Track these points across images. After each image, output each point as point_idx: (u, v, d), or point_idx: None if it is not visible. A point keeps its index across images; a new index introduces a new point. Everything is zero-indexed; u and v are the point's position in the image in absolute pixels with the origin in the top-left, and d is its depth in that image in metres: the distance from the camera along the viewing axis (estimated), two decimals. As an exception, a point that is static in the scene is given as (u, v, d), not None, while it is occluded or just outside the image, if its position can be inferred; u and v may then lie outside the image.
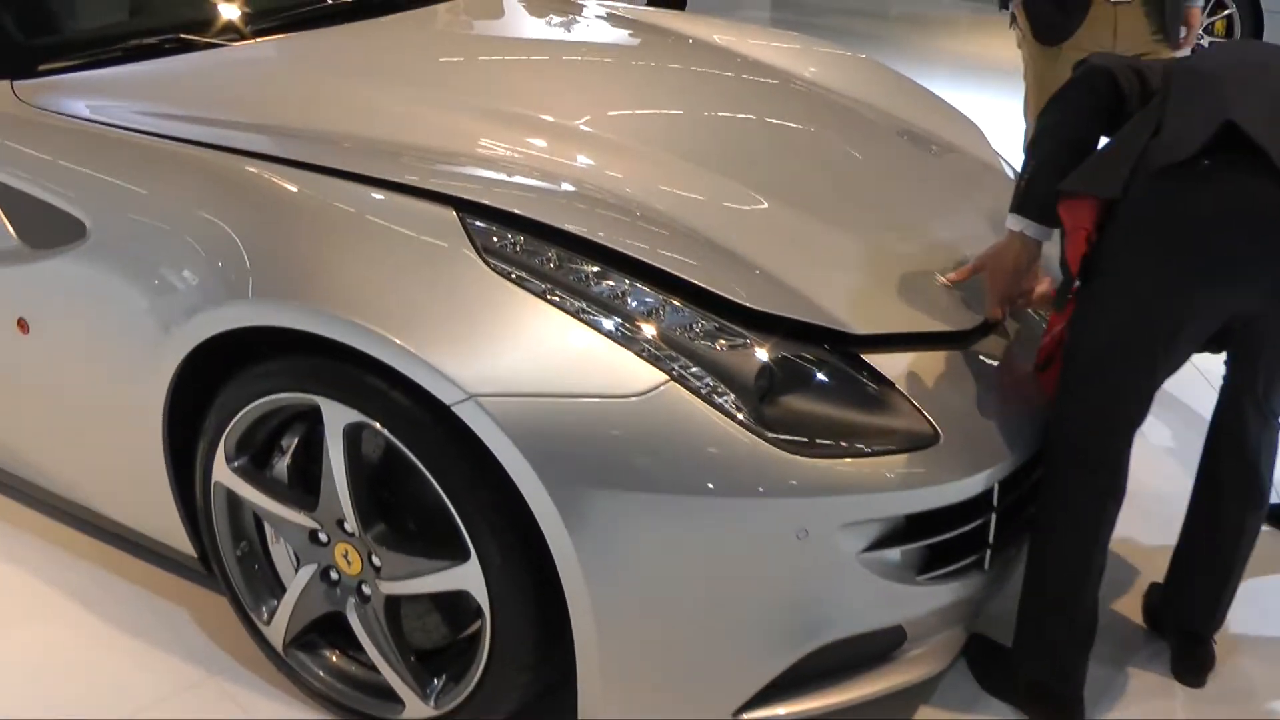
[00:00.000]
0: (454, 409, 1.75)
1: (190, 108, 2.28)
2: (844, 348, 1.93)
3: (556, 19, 3.25)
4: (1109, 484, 2.05)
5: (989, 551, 2.01)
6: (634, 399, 1.74)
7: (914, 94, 3.16)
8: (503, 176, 2.09)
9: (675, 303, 1.85)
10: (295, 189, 1.99)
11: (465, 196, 1.94)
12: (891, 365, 1.94)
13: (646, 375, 1.75)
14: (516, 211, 1.92)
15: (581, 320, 1.78)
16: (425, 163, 2.08)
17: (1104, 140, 2.04)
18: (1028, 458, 2.02)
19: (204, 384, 2.07)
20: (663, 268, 1.88)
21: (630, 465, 1.74)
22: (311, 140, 2.13)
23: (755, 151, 2.49)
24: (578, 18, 3.31)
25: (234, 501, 2.13)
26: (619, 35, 3.24)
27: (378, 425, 1.85)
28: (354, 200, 1.95)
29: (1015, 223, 2.07)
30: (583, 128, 2.35)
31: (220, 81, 2.46)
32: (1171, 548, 2.34)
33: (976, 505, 1.93)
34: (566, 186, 2.08)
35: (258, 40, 2.65)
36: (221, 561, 2.21)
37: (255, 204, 2.01)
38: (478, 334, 1.78)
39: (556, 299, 1.80)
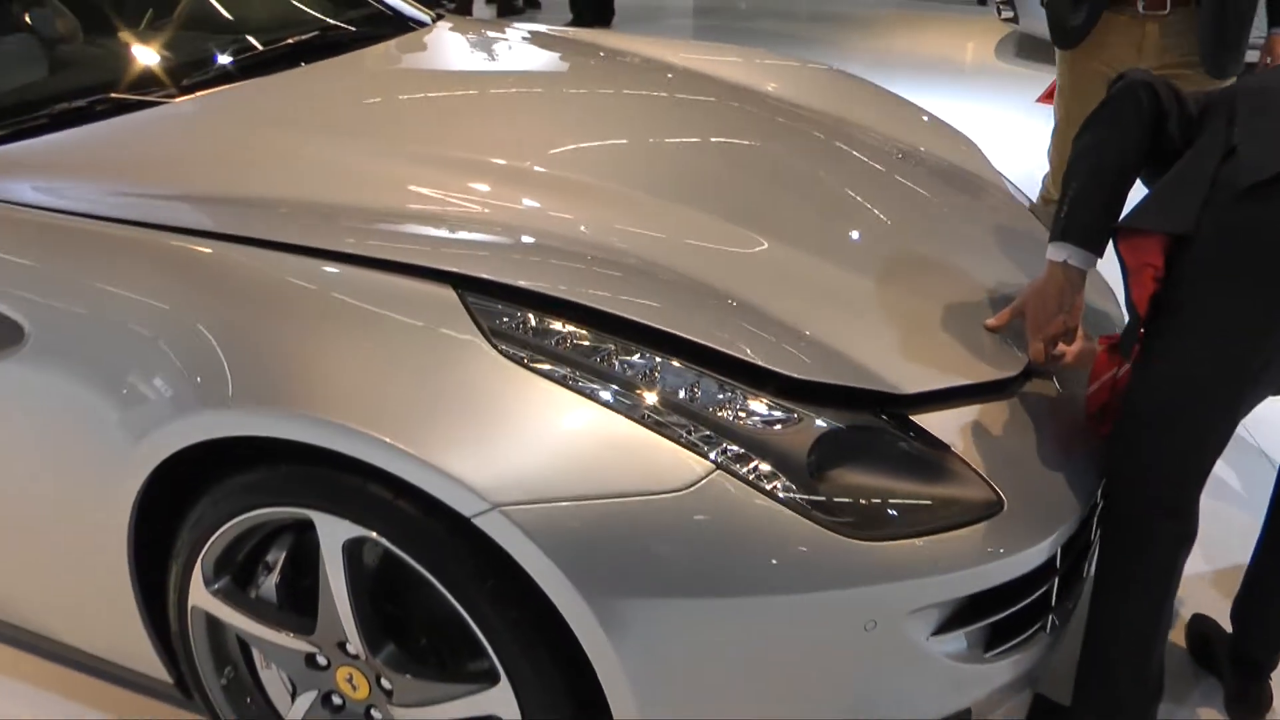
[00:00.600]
0: (475, 521, 1.54)
1: (131, 181, 2.03)
2: (893, 409, 1.75)
3: (495, 51, 3.05)
4: (1183, 530, 1.90)
5: (1051, 615, 1.85)
6: (678, 494, 1.54)
7: (897, 107, 3.01)
8: (492, 239, 1.88)
9: (709, 376, 1.66)
10: (268, 272, 1.75)
11: (459, 270, 1.73)
12: (942, 425, 1.77)
13: (690, 466, 1.55)
14: (524, 285, 1.71)
15: (611, 408, 1.58)
16: (386, 224, 1.87)
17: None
18: (1087, 511, 1.86)
19: (174, 498, 1.83)
20: (702, 342, 1.69)
21: (678, 568, 1.54)
22: (251, 209, 1.91)
23: (749, 187, 2.31)
24: (519, 47, 3.11)
25: (215, 626, 1.90)
26: (565, 62, 3.04)
27: (384, 541, 1.64)
28: (335, 283, 1.72)
29: (1057, 252, 1.89)
30: (549, 171, 2.17)
31: (159, 147, 2.21)
32: (1212, 573, 2.22)
33: (1041, 570, 1.76)
34: (556, 245, 1.88)
35: (197, 95, 2.41)
36: (204, 691, 1.97)
37: (222, 293, 1.76)
38: (494, 432, 1.56)
39: (579, 384, 1.59)
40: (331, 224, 1.86)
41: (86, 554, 1.92)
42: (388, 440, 1.55)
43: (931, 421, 1.76)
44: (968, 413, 1.82)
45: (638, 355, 1.65)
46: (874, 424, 1.71)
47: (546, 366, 1.60)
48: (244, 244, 1.79)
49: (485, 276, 1.70)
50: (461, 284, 1.70)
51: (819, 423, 1.66)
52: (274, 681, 1.94)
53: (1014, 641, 1.79)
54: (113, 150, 2.19)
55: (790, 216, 2.19)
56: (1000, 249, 2.31)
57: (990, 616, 1.72)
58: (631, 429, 1.56)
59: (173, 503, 1.84)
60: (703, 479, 1.55)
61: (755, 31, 9.23)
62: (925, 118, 2.97)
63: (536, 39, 3.15)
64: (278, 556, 1.84)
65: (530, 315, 1.66)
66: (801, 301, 1.91)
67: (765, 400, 1.66)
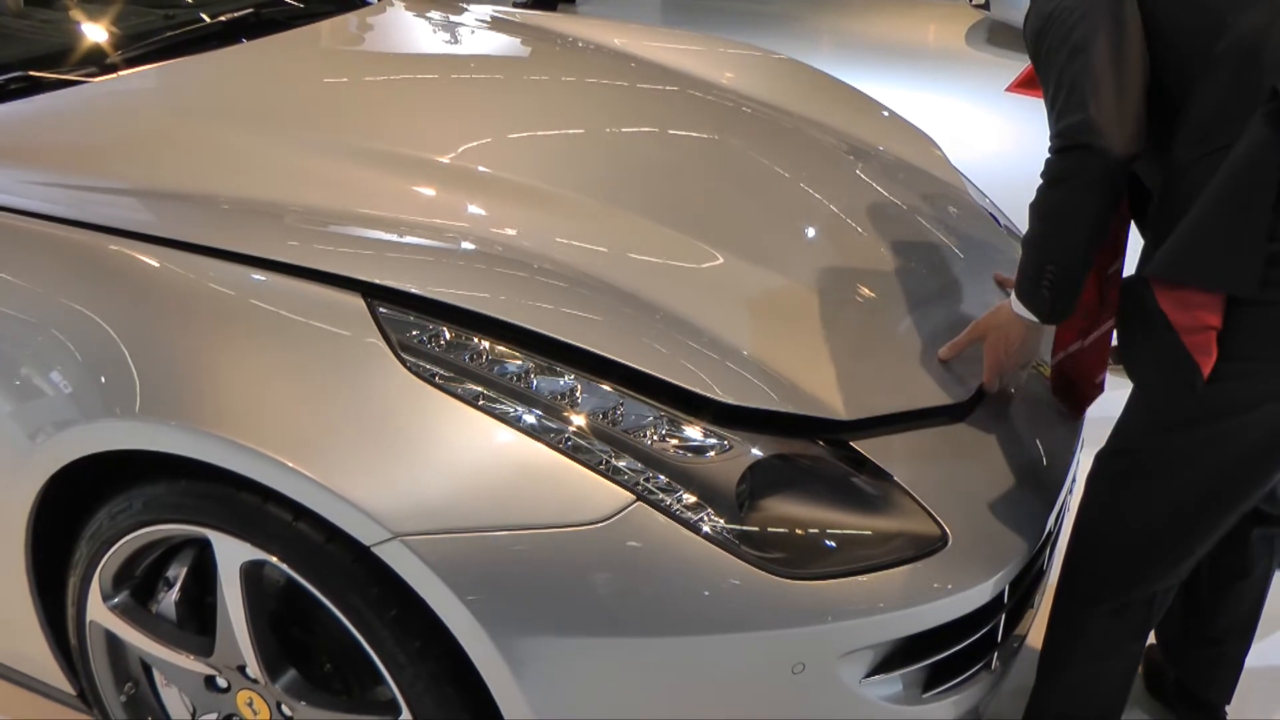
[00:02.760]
0: (375, 550, 1.43)
1: (41, 169, 1.90)
2: (833, 435, 1.65)
3: (446, 35, 2.90)
4: (1155, 618, 1.83)
5: (996, 652, 1.76)
6: (595, 527, 1.44)
7: (857, 103, 2.89)
8: (422, 244, 1.76)
9: (635, 399, 1.55)
10: (177, 274, 1.63)
11: (374, 279, 1.60)
12: (885, 453, 1.67)
13: (609, 497, 1.45)
14: (437, 295, 1.59)
15: (525, 432, 1.47)
16: (310, 225, 1.73)
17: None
18: (1039, 545, 1.76)
19: (76, 506, 1.72)
20: (621, 360, 1.58)
21: (593, 605, 1.44)
22: (165, 203, 1.78)
23: (702, 191, 2.18)
24: (473, 30, 2.96)
25: (115, 642, 1.79)
26: (519, 48, 2.91)
27: (283, 565, 1.53)
28: (242, 286, 1.60)
29: (1022, 310, 1.75)
30: (492, 171, 2.03)
31: (77, 132, 2.08)
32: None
33: (987, 608, 1.67)
34: (492, 253, 1.75)
35: (122, 73, 2.28)
36: (104, 707, 1.86)
37: (131, 295, 1.64)
38: (398, 455, 1.46)
39: (492, 405, 1.48)
40: (248, 223, 1.73)
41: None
42: (283, 461, 1.44)
43: (873, 449, 1.66)
44: (912, 439, 1.72)
45: (560, 376, 1.54)
46: (811, 452, 1.61)
47: (458, 385, 1.49)
48: (154, 243, 1.66)
49: (395, 285, 1.58)
50: (374, 293, 1.58)
51: (752, 451, 1.55)
52: (175, 701, 1.83)
53: (955, 681, 1.69)
54: (27, 134, 2.06)
55: (742, 223, 2.07)
56: (959, 256, 2.21)
57: (930, 657, 1.62)
58: (547, 455, 1.46)
59: (73, 511, 1.73)
60: (622, 511, 1.44)
61: (725, 10, 9.07)
62: (885, 113, 2.85)
63: (493, 24, 3.01)
64: (179, 572, 1.73)
65: (445, 330, 1.54)
66: (745, 318, 1.80)
67: (695, 425, 1.55)
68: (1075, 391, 1.96)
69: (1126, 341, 1.71)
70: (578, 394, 1.53)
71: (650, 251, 1.88)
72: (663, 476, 1.48)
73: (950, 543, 1.60)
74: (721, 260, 1.91)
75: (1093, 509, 1.80)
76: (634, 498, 1.45)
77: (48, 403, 1.64)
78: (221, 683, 1.72)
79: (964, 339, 1.85)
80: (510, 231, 1.82)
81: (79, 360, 1.61)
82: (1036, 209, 1.68)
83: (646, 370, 1.57)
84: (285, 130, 2.10)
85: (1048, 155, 1.63)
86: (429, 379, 1.49)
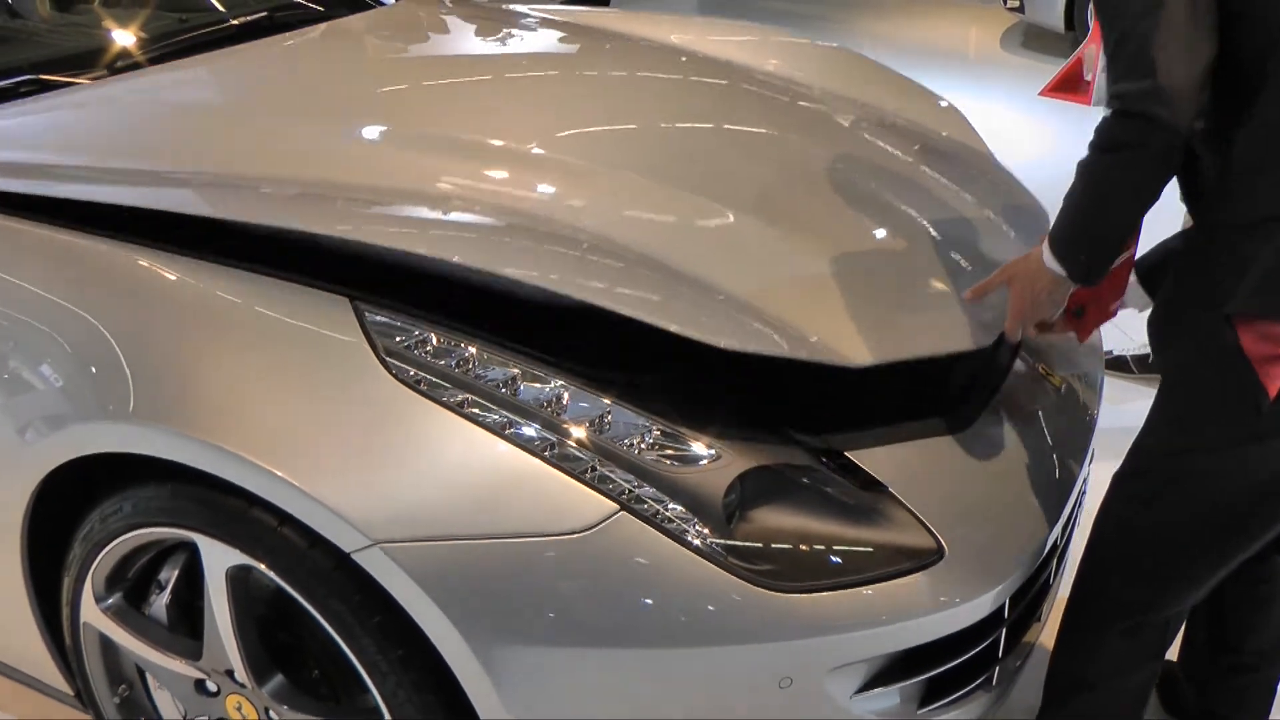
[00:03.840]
0: (354, 557, 1.42)
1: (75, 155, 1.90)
2: (826, 444, 1.62)
3: (488, 29, 2.89)
4: (1171, 639, 1.78)
5: (997, 668, 1.72)
6: (578, 536, 1.42)
7: (890, 82, 2.83)
8: (452, 218, 1.75)
9: (623, 406, 1.53)
10: (168, 275, 1.62)
11: (408, 248, 1.59)
12: (879, 462, 1.64)
13: (592, 505, 1.43)
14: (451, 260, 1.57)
15: (508, 438, 1.45)
16: (360, 206, 1.74)
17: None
18: (1043, 558, 1.73)
19: (70, 504, 1.72)
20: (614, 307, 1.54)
21: (574, 615, 1.43)
22: (231, 188, 1.79)
23: (722, 164, 2.13)
24: (512, 28, 2.95)
25: (108, 643, 1.79)
26: (564, 44, 2.89)
27: (267, 570, 1.52)
28: (236, 289, 1.59)
29: (1054, 264, 1.65)
30: (539, 151, 2.01)
31: (115, 124, 2.09)
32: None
33: (986, 622, 1.63)
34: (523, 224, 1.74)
35: (147, 71, 2.28)
36: (99, 708, 1.86)
37: (118, 296, 1.65)
38: (380, 461, 1.44)
39: (475, 411, 1.47)
40: (302, 203, 1.74)
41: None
42: (264, 466, 1.43)
43: (868, 459, 1.63)
44: (910, 450, 1.68)
45: (546, 383, 1.52)
46: (802, 462, 1.58)
47: (443, 391, 1.48)
48: (148, 247, 1.66)
49: (382, 299, 1.56)
50: (364, 293, 1.57)
51: (741, 461, 1.53)
52: (168, 704, 1.83)
53: (953, 696, 1.66)
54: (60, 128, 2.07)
55: (772, 196, 2.03)
56: (984, 220, 2.15)
57: (924, 672, 1.59)
58: (531, 463, 1.44)
59: (70, 511, 1.73)
60: (606, 520, 1.42)
61: (761, 10, 9.02)
62: (918, 91, 2.79)
63: (539, 18, 2.97)
64: (170, 575, 1.73)
65: (433, 335, 1.53)
66: (766, 278, 1.76)
67: (683, 434, 1.53)
68: (1086, 319, 1.89)
69: (1181, 373, 1.64)
70: (564, 401, 1.51)
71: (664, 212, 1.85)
72: (649, 486, 1.46)
73: (946, 555, 1.57)
74: (732, 219, 1.87)
75: (1109, 529, 1.76)
76: (618, 507, 1.43)
77: (39, 402, 1.64)
78: (211, 686, 1.72)
79: (992, 281, 1.78)
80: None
81: (71, 361, 1.61)
82: (1086, 171, 1.56)
83: (646, 319, 1.53)
84: (333, 119, 2.10)
85: (1105, 116, 1.51)
86: (413, 384, 1.47)
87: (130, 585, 1.75)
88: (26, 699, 2.16)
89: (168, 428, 1.50)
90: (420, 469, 1.44)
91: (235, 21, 2.57)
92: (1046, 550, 1.73)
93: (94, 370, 1.58)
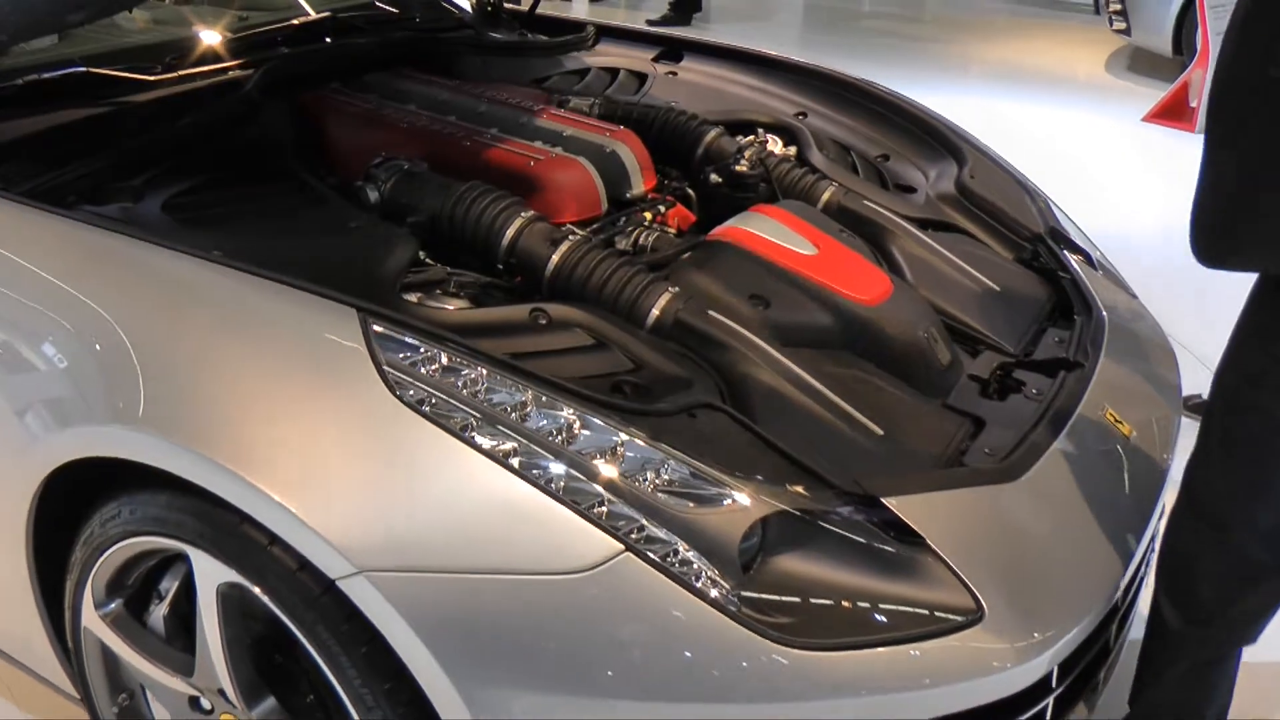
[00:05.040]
0: (339, 584, 1.34)
1: None
2: (861, 488, 1.49)
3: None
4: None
5: (1044, 738, 1.58)
6: (577, 577, 1.32)
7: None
8: None
9: (637, 438, 1.42)
10: (181, 276, 1.57)
11: None
12: (922, 512, 1.51)
13: (595, 544, 1.33)
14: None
15: (510, 467, 1.35)
16: None
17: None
18: (1100, 621, 1.58)
19: (77, 504, 1.67)
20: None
21: (569, 660, 1.32)
22: None
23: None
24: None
25: (109, 650, 1.73)
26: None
27: (255, 589, 1.45)
28: (242, 293, 1.52)
29: None
30: None
31: None
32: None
33: (1030, 691, 1.49)
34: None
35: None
36: (98, 715, 1.81)
37: (130, 292, 1.59)
38: (374, 484, 1.36)
39: (478, 437, 1.37)
40: None
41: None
42: (251, 481, 1.36)
43: (905, 505, 1.50)
44: (954, 499, 1.55)
45: (559, 410, 1.42)
46: (832, 506, 1.46)
47: (445, 413, 1.38)
48: (164, 246, 1.61)
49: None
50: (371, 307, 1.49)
51: (764, 502, 1.41)
52: (164, 717, 1.77)
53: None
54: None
55: None
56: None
57: (956, 743, 1.46)
58: (532, 495, 1.34)
59: (76, 510, 1.68)
60: (608, 561, 1.32)
61: (866, 32, 8.85)
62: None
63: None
64: (171, 585, 1.66)
65: (442, 353, 1.44)
66: None
67: (703, 471, 1.42)
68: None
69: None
70: (576, 430, 1.41)
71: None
72: (660, 527, 1.36)
73: (985, 616, 1.43)
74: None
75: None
76: (623, 548, 1.33)
77: (41, 399, 1.59)
78: (205, 704, 1.65)
79: None
80: None
81: (78, 357, 1.56)
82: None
83: None
84: None
85: None
86: (414, 405, 1.38)
87: (132, 593, 1.69)
88: (42, 696, 2.12)
89: (157, 435, 1.43)
90: (415, 494, 1.35)
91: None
92: (1105, 613, 1.58)
93: (96, 370, 1.52)
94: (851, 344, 1.85)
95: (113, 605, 1.68)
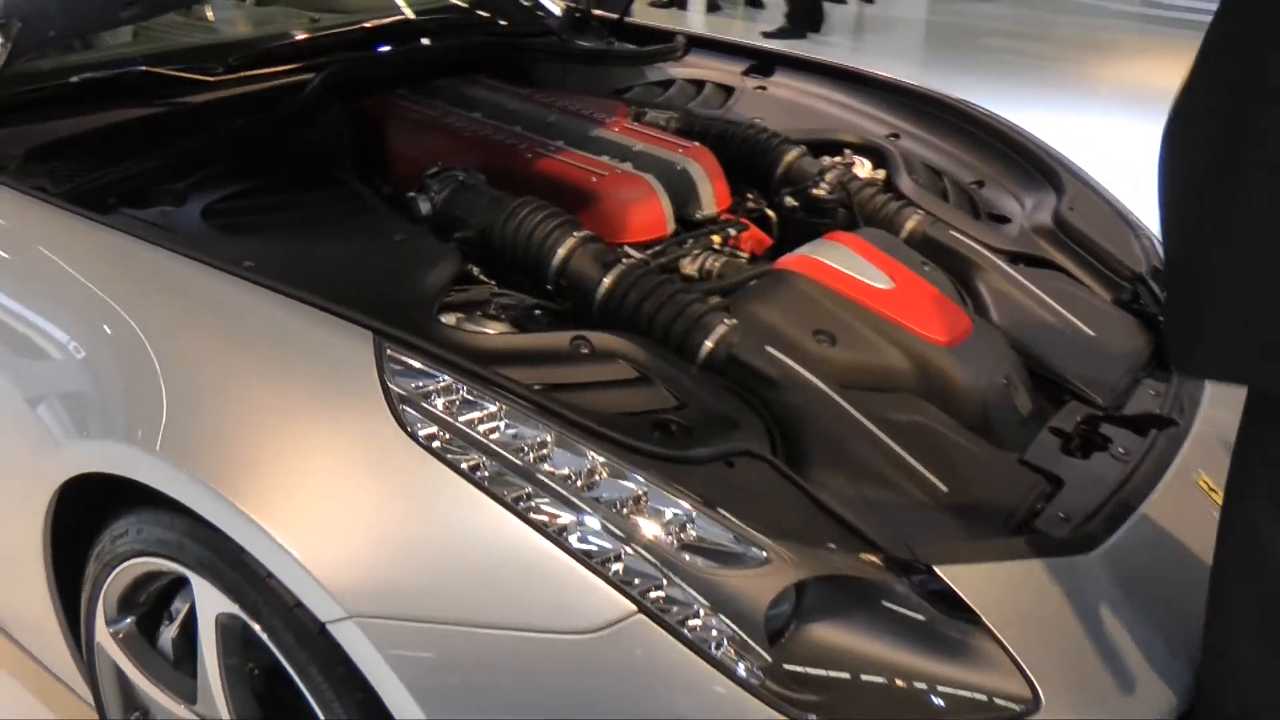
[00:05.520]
0: (329, 628, 1.25)
1: None
2: (911, 554, 1.36)
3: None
4: None
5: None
6: (583, 638, 1.20)
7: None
8: None
9: (660, 488, 1.30)
10: (200, 289, 1.50)
11: None
12: (980, 585, 1.36)
13: (605, 603, 1.21)
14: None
15: (520, 513, 1.25)
16: None
17: None
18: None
19: (94, 517, 1.61)
20: None
21: (571, 730, 1.21)
22: None
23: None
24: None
25: (120, 667, 1.68)
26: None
27: (251, 622, 1.36)
28: (256, 309, 1.45)
29: None
30: None
31: None
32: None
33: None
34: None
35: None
36: (112, 732, 1.76)
37: (156, 306, 1.53)
38: (374, 524, 1.26)
39: (489, 478, 1.27)
40: None
41: (11, 555, 1.73)
42: (246, 512, 1.27)
43: (961, 576, 1.36)
44: (1014, 570, 1.41)
45: (582, 455, 1.31)
46: (873, 572, 1.32)
47: (457, 452, 1.28)
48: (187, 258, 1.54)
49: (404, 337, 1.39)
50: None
51: (799, 565, 1.28)
52: (174, 742, 1.70)
53: None
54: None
55: None
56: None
57: None
58: (540, 545, 1.23)
59: (94, 522, 1.62)
60: (619, 622, 1.20)
61: (994, 51, 8.56)
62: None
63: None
64: (182, 606, 1.60)
65: (463, 385, 1.34)
66: None
67: (733, 527, 1.29)
68: None
69: None
70: (596, 477, 1.29)
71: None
72: (679, 587, 1.23)
73: (1042, 707, 1.28)
74: None
75: None
76: (635, 608, 1.21)
77: (65, 405, 1.54)
78: (210, 733, 1.58)
79: None
80: None
81: (103, 367, 1.51)
82: None
83: None
84: None
85: None
86: (424, 441, 1.28)
87: (144, 610, 1.63)
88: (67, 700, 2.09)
89: (163, 458, 1.36)
90: (415, 537, 1.25)
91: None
92: (1179, 715, 1.42)
93: (119, 382, 1.47)
94: (923, 387, 1.71)
95: (125, 623, 1.62)
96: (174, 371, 1.43)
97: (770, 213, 2.21)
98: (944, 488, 1.54)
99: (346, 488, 1.29)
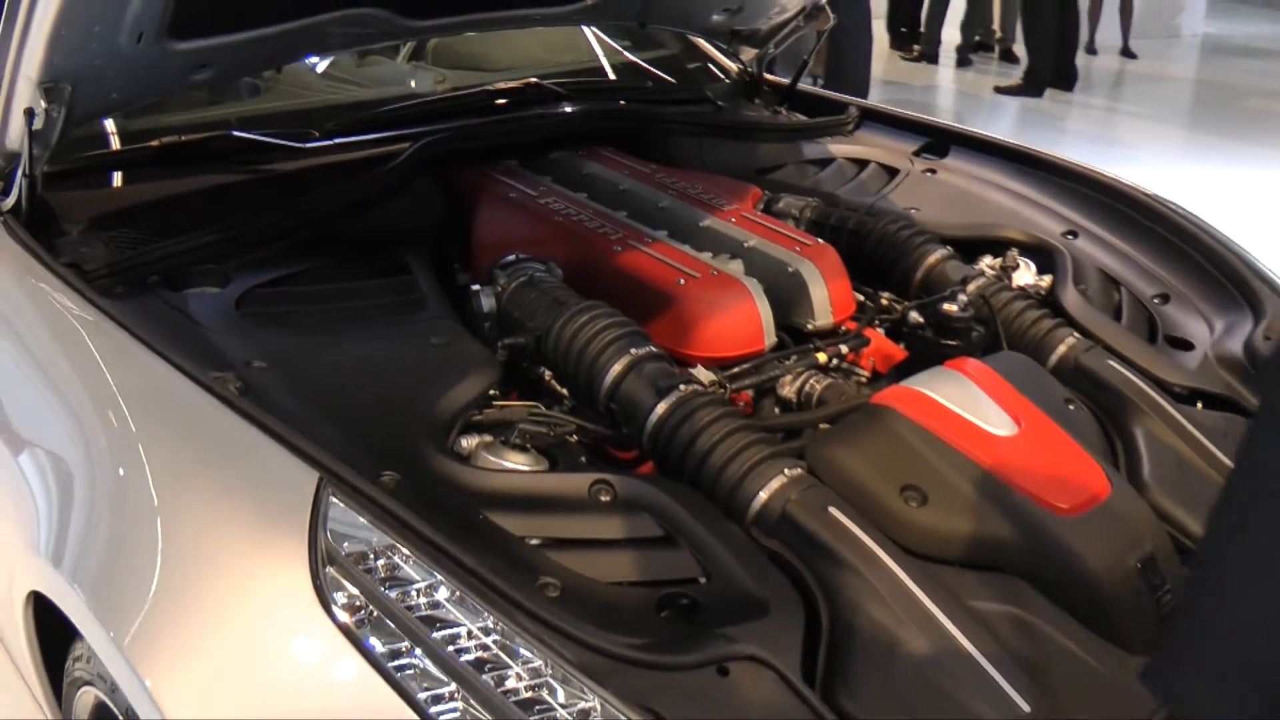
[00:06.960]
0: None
1: None
2: None
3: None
4: None
5: None
6: None
7: None
8: None
9: (619, 711, 1.04)
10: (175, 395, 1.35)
11: None
12: None
13: None
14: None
15: (432, 723, 1.02)
16: None
17: None
18: None
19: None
20: None
21: None
22: None
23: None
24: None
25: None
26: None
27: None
28: (206, 423, 1.28)
29: None
30: None
31: None
32: None
33: None
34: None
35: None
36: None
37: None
38: (266, 705, 1.06)
39: (406, 674, 1.04)
40: None
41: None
42: (128, 659, 1.10)
43: None
44: None
45: (529, 649, 1.07)
46: None
47: (376, 633, 1.06)
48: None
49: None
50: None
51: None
52: None
53: None
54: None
55: None
56: None
57: None
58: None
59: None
60: None
61: (1252, 112, 7.71)
62: None
63: None
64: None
65: (401, 550, 1.12)
66: None
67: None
68: None
69: None
70: (541, 680, 1.05)
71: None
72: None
73: None
74: None
75: None
76: None
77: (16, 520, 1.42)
78: None
79: None
80: None
81: (59, 477, 1.38)
82: None
83: None
84: None
85: None
86: (340, 616, 1.07)
87: None
88: None
89: (73, 585, 1.21)
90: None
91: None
92: None
93: (56, 497, 1.33)
94: (1033, 565, 1.38)
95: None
96: (116, 493, 1.28)
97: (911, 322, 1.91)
98: (1026, 707, 1.22)
99: (244, 652, 1.10)
